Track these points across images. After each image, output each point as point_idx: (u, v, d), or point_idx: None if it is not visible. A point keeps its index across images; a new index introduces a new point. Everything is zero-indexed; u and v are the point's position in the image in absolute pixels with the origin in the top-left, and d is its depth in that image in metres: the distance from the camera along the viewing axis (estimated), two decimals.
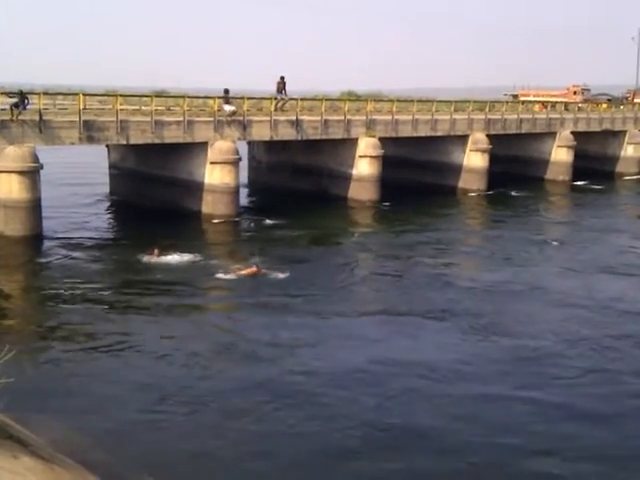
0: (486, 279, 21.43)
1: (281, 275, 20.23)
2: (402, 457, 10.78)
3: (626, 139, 49.47)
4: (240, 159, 30.08)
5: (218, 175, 29.07)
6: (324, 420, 11.80)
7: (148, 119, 27.62)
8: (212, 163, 28.98)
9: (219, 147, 29.08)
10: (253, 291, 19.19)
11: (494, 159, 39.67)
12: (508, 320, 17.50)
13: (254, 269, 20.45)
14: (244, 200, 33.79)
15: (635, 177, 48.17)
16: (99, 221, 29.67)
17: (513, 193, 39.09)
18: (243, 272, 20.33)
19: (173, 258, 21.88)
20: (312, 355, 14.77)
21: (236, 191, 29.68)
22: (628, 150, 49.77)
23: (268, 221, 29.05)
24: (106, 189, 34.62)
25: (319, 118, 33.05)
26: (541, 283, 21.00)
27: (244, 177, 36.23)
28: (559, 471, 10.51)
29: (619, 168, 49.50)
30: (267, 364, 14.15)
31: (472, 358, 14.84)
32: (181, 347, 15.04)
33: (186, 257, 22.11)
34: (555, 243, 27.24)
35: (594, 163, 48.29)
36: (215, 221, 28.39)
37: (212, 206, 29.13)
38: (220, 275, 20.23)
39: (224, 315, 18.08)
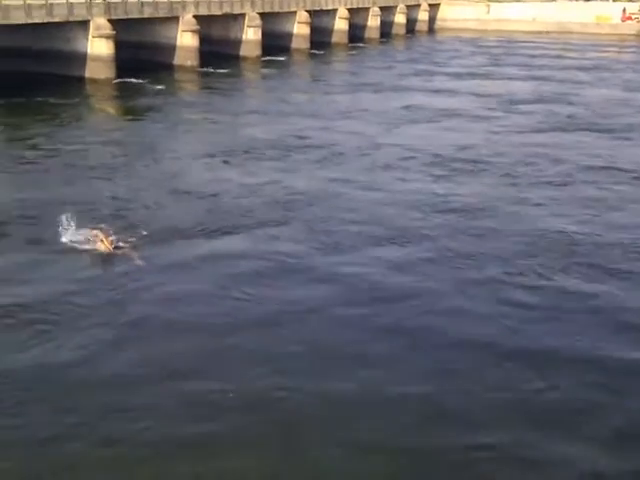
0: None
1: None
2: None
3: (246, 22, 50.76)
4: None
5: None
6: None
7: None
8: None
9: None
10: None
11: (121, 46, 37.98)
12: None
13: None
14: None
15: (257, 60, 49.93)
16: None
17: (141, 81, 37.55)
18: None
19: None
20: None
21: None
22: (249, 33, 51.21)
23: None
24: None
25: None
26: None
27: None
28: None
29: (243, 52, 50.86)
30: None
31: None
32: None
33: None
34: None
35: (220, 47, 48.91)
36: None
37: None
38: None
39: None
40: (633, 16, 78.13)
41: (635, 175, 21.79)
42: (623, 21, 78.44)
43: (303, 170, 21.38)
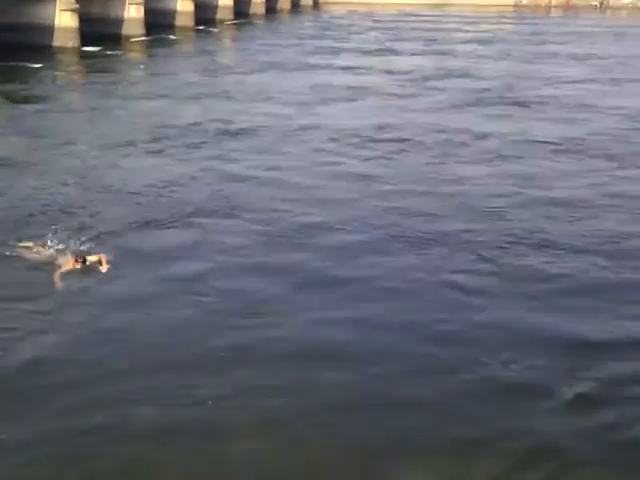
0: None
1: None
2: None
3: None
4: None
5: None
6: None
7: None
8: None
9: None
10: None
11: None
12: None
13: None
14: None
15: (141, 39, 46.95)
16: None
17: (20, 63, 33.93)
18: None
19: None
20: None
21: None
22: (131, 11, 48.21)
23: None
24: None
25: None
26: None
27: None
28: None
29: (125, 30, 47.79)
30: None
31: None
32: None
33: None
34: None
35: (101, 26, 45.61)
36: None
37: None
38: None
39: None
40: None
41: (557, 149, 21.05)
42: None
43: (230, 156, 19.38)
